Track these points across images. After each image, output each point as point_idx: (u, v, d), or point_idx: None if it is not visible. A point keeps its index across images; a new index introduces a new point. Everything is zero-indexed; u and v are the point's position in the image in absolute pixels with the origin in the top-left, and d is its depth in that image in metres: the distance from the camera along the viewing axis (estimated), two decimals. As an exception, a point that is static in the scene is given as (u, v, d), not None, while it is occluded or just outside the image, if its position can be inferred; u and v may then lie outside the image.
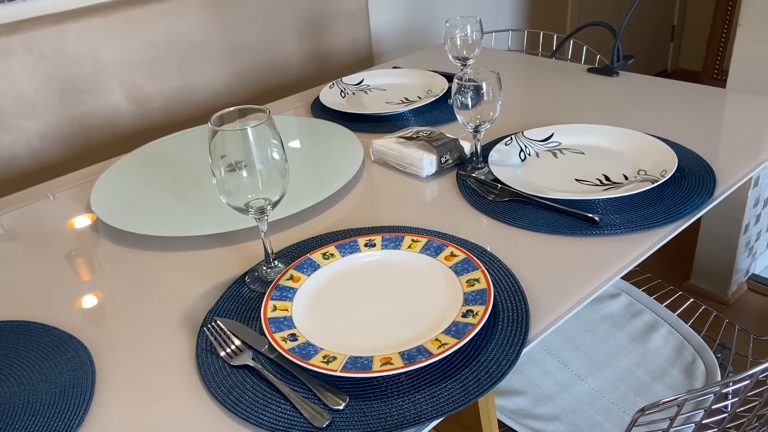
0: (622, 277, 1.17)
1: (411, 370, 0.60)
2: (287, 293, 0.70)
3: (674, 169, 0.85)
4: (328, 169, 1.00)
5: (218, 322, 0.68)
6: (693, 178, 0.87)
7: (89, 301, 0.77)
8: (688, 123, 1.04)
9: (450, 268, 0.72)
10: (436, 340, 0.62)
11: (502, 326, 0.65)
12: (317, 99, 1.28)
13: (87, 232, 0.92)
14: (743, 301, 1.76)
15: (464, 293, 0.68)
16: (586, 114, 1.12)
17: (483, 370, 0.60)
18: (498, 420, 0.92)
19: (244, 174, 0.69)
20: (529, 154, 0.98)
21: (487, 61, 1.43)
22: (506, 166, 0.94)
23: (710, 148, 0.95)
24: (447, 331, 0.63)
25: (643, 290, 1.15)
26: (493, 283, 0.71)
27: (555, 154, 0.97)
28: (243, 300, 0.73)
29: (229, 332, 0.67)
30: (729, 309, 1.74)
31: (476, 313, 0.64)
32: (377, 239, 0.78)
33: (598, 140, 0.98)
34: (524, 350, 0.62)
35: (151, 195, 0.98)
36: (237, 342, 0.65)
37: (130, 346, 0.69)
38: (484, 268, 0.70)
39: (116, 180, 1.04)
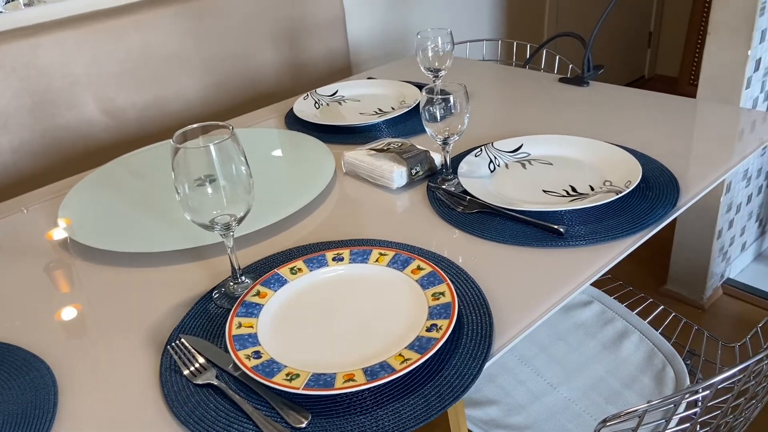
0: (595, 285, 1.19)
1: (374, 387, 0.60)
2: (253, 309, 0.70)
3: (638, 180, 0.86)
4: (299, 182, 1.00)
5: (182, 339, 0.68)
6: (657, 188, 0.88)
7: (55, 319, 0.77)
8: (656, 133, 1.06)
9: (416, 281, 0.73)
10: (400, 355, 0.62)
11: (466, 340, 0.65)
12: (291, 110, 1.28)
13: (55, 248, 0.92)
14: (719, 306, 1.78)
15: (429, 307, 0.68)
16: (556, 124, 1.13)
17: (446, 385, 0.60)
18: (469, 431, 0.92)
19: (209, 190, 0.69)
20: (498, 165, 0.98)
21: (460, 72, 1.44)
22: (476, 177, 0.95)
23: (676, 158, 0.97)
24: (411, 346, 0.63)
25: (615, 298, 1.16)
26: (459, 296, 0.71)
27: (524, 165, 0.98)
28: (209, 317, 0.73)
29: (193, 350, 0.67)
30: (705, 314, 1.76)
31: (440, 327, 0.65)
32: (345, 253, 0.78)
33: (566, 151, 1.00)
34: (487, 364, 0.63)
35: (120, 210, 0.97)
36: (201, 360, 0.65)
37: (94, 365, 0.68)
38: (449, 281, 0.71)
39: (85, 195, 1.03)
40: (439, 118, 0.90)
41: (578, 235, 0.80)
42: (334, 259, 0.78)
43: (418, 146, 1.00)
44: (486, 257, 0.79)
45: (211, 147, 0.66)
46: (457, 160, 0.99)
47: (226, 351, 0.66)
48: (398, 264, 0.76)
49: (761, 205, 1.86)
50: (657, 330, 1.06)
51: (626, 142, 1.02)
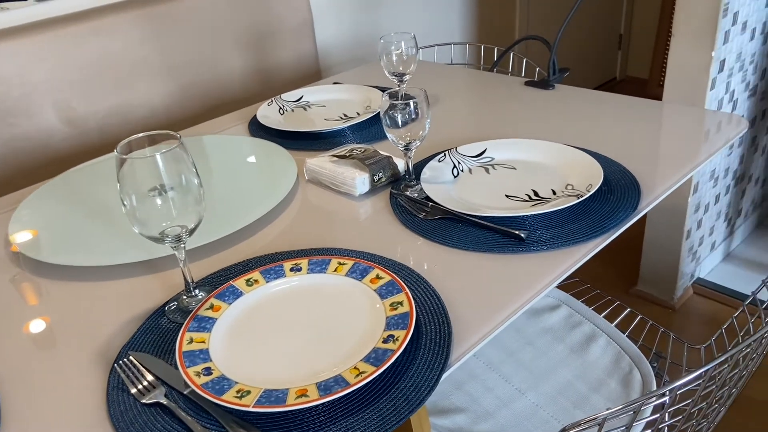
0: (563, 289, 1.19)
1: (327, 402, 0.59)
2: (206, 324, 0.68)
3: (599, 184, 0.85)
4: (260, 191, 0.98)
5: (131, 357, 0.66)
6: (619, 191, 0.88)
7: (0, 335, 0.74)
8: (620, 136, 1.06)
9: (375, 291, 0.71)
10: (355, 368, 0.60)
11: (423, 350, 0.64)
12: (255, 117, 1.26)
13: (4, 262, 0.89)
14: (689, 306, 1.80)
15: (387, 317, 0.67)
16: (521, 128, 1.12)
17: (401, 398, 0.59)
18: (436, 440, 0.91)
19: (158, 201, 0.67)
20: (462, 170, 0.98)
21: (426, 76, 1.43)
22: (439, 183, 0.94)
23: (639, 160, 0.97)
24: (366, 359, 0.62)
25: (583, 301, 1.16)
26: (418, 305, 0.70)
27: (487, 170, 0.97)
28: (162, 332, 0.70)
29: (142, 367, 0.64)
30: (676, 314, 1.77)
31: (397, 338, 0.63)
32: (303, 263, 0.77)
33: (529, 155, 0.99)
34: (445, 374, 0.61)
35: (72, 222, 0.95)
36: (150, 378, 0.63)
37: (41, 385, 0.66)
38: (407, 290, 0.69)
39: (37, 206, 1.00)
40: (400, 123, 0.88)
41: (539, 240, 0.79)
42: (291, 270, 0.76)
43: (381, 152, 0.99)
44: (447, 264, 0.77)
45: (158, 157, 0.64)
46: (420, 165, 0.98)
47: (177, 368, 0.64)
48: (357, 273, 0.74)
49: (729, 205, 1.88)
50: (624, 333, 1.06)
51: (589, 145, 1.02)
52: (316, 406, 0.59)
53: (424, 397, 0.58)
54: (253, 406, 0.56)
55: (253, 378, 0.61)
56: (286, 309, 0.71)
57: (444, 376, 0.61)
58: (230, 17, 1.61)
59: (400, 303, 0.68)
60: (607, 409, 0.60)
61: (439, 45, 1.66)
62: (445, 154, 1.00)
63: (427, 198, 0.90)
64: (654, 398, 0.60)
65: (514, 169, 0.97)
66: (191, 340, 0.66)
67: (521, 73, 1.54)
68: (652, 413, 0.66)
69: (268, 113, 1.25)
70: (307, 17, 1.78)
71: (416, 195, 0.92)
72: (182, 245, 0.70)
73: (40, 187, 1.07)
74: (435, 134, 1.13)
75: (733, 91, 1.62)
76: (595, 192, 0.87)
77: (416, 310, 0.69)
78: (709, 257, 1.88)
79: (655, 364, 1.05)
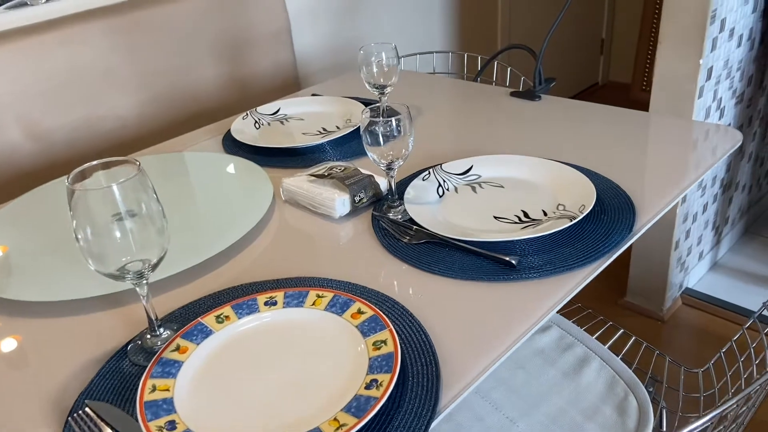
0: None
1: (304, 459, 0.53)
2: (170, 368, 0.62)
3: (592, 204, 0.81)
4: (232, 214, 0.92)
5: (87, 408, 0.60)
6: (612, 211, 0.83)
7: (-55, 384, 0.67)
8: (610, 150, 1.02)
9: (356, 327, 0.66)
10: (335, 419, 0.55)
11: (410, 396, 0.58)
12: (229, 131, 1.20)
13: (-45, 297, 0.82)
14: (678, 317, 1.77)
15: (370, 358, 0.61)
16: (507, 142, 1.08)
17: (386, 452, 0.53)
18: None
19: (117, 234, 0.61)
20: (447, 189, 0.93)
21: (408, 86, 1.38)
22: (423, 203, 0.88)
23: (631, 176, 0.92)
24: (347, 408, 0.56)
25: (574, 321, 1.11)
26: (403, 343, 0.64)
27: (474, 189, 0.92)
28: (123, 376, 0.64)
29: (99, 420, 0.58)
30: (665, 325, 1.74)
31: (381, 384, 0.58)
32: (279, 296, 0.71)
33: (517, 172, 0.94)
34: (434, 423, 0.56)
35: (27, 250, 0.88)
36: (108, 432, 0.57)
37: (-15, 441, 0.59)
38: (392, 327, 0.64)
39: (-4, 232, 0.93)
40: (381, 141, 0.83)
41: (531, 266, 0.74)
42: (266, 304, 0.70)
43: (362, 170, 0.94)
44: (434, 294, 0.72)
45: (115, 188, 0.58)
46: (403, 183, 0.93)
47: (138, 420, 0.58)
48: (337, 307, 0.68)
49: (716, 213, 1.85)
50: (618, 355, 1.02)
51: (579, 161, 0.97)
52: (292, 463, 0.53)
53: (411, 452, 0.53)
54: (220, 468, 0.51)
55: (222, 431, 0.55)
56: (259, 350, 0.65)
57: (433, 425, 0.55)
58: (204, 25, 1.54)
59: (384, 342, 0.63)
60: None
61: (420, 54, 1.61)
62: (429, 172, 0.95)
63: (411, 220, 0.85)
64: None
65: (502, 187, 0.92)
66: (154, 388, 0.59)
67: (505, 82, 1.50)
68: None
69: (243, 127, 1.19)
70: (284, 24, 1.72)
71: (399, 216, 0.87)
72: (144, 282, 0.64)
73: (-3, 211, 1.00)
74: (418, 148, 1.08)
75: (721, 98, 1.59)
76: (588, 213, 0.82)
77: (401, 349, 0.63)
78: (697, 267, 1.86)
79: (651, 389, 1.01)
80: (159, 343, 0.67)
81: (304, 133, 1.17)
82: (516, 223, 0.82)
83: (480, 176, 0.95)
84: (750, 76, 1.72)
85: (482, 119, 1.19)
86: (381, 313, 0.66)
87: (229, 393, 0.60)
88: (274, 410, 0.57)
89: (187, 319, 0.71)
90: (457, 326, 0.67)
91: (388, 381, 0.58)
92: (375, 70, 1.11)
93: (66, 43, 1.33)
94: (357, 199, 0.90)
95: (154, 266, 0.64)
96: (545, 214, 0.84)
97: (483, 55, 1.53)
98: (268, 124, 1.23)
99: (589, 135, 1.07)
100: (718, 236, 1.92)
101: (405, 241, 0.82)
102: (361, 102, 1.24)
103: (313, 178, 0.94)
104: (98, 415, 0.59)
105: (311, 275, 0.78)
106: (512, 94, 1.28)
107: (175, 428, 0.55)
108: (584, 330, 1.09)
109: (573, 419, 0.94)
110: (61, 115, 1.36)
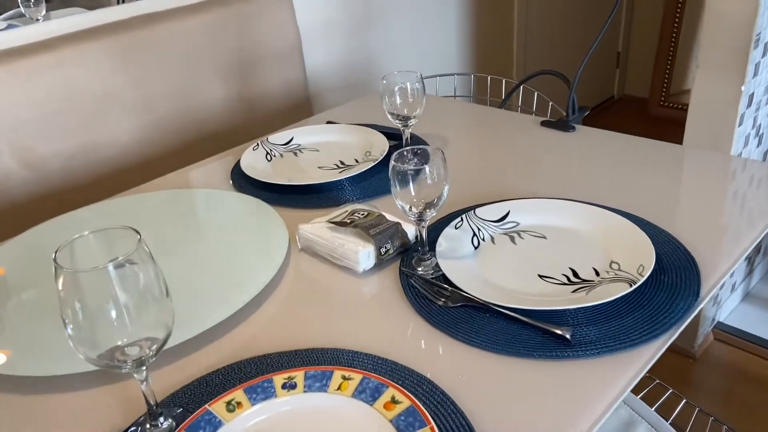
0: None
1: None
2: (174, 476, 0.53)
3: (652, 266, 0.71)
4: (242, 269, 0.82)
5: None
6: (673, 271, 0.73)
7: None
8: (657, 192, 0.92)
9: (391, 422, 0.56)
10: None
11: None
12: (238, 163, 1.11)
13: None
14: (710, 354, 1.67)
15: (409, 464, 0.52)
16: (543, 180, 0.98)
17: None
18: None
19: (113, 315, 0.51)
20: (483, 240, 0.83)
21: (430, 113, 1.28)
22: (457, 258, 0.79)
23: (688, 226, 0.83)
24: None
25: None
26: (446, 442, 0.55)
27: (512, 239, 0.83)
28: (118, 479, 0.55)
29: None
30: (696, 363, 1.64)
31: (425, 503, 0.48)
32: (299, 377, 0.61)
33: (560, 219, 0.85)
34: None
35: (9, 315, 0.78)
36: None
37: None
38: (434, 425, 0.54)
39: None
40: (413, 190, 0.74)
41: (587, 340, 0.65)
42: (284, 387, 0.61)
43: (387, 216, 0.84)
44: (476, 374, 0.63)
45: (110, 269, 0.48)
46: (433, 229, 0.84)
47: None
48: (367, 394, 0.59)
49: (748, 242, 1.75)
50: (668, 420, 0.92)
51: (625, 205, 0.87)
52: None
53: None
54: None
55: None
56: (278, 447, 0.56)
57: None
58: (211, 43, 1.45)
59: (425, 443, 0.53)
60: None
61: (441, 75, 1.52)
62: (462, 219, 0.85)
63: (445, 277, 0.75)
64: None
65: (544, 237, 0.83)
66: (154, 504, 0.50)
67: (532, 107, 1.41)
68: None
69: (253, 161, 1.10)
70: (295, 42, 1.63)
71: (431, 272, 0.78)
72: (144, 368, 0.55)
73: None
74: (446, 188, 0.98)
75: (760, 125, 1.50)
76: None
77: (445, 452, 0.54)
78: (729, 299, 1.76)
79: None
80: (160, 436, 0.57)
81: (320, 167, 1.08)
82: (565, 284, 0.73)
83: (518, 224, 0.85)
84: (787, 100, 1.62)
85: (514, 154, 1.09)
86: (419, 404, 0.57)
87: None
88: None
89: (192, 402, 0.61)
90: (505, 420, 0.57)
91: (434, 501, 0.48)
92: (398, 100, 1.02)
93: (63, 65, 1.25)
94: (383, 251, 0.80)
95: (158, 350, 0.54)
96: (597, 273, 0.74)
97: (505, 78, 1.44)
98: (281, 155, 1.14)
99: (632, 173, 0.98)
100: (750, 266, 1.82)
101: (440, 303, 0.72)
102: (380, 131, 1.15)
103: (333, 225, 0.85)
104: None
105: (333, 343, 0.68)
106: (543, 123, 1.18)
107: None
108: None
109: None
110: (57, 142, 1.27)
